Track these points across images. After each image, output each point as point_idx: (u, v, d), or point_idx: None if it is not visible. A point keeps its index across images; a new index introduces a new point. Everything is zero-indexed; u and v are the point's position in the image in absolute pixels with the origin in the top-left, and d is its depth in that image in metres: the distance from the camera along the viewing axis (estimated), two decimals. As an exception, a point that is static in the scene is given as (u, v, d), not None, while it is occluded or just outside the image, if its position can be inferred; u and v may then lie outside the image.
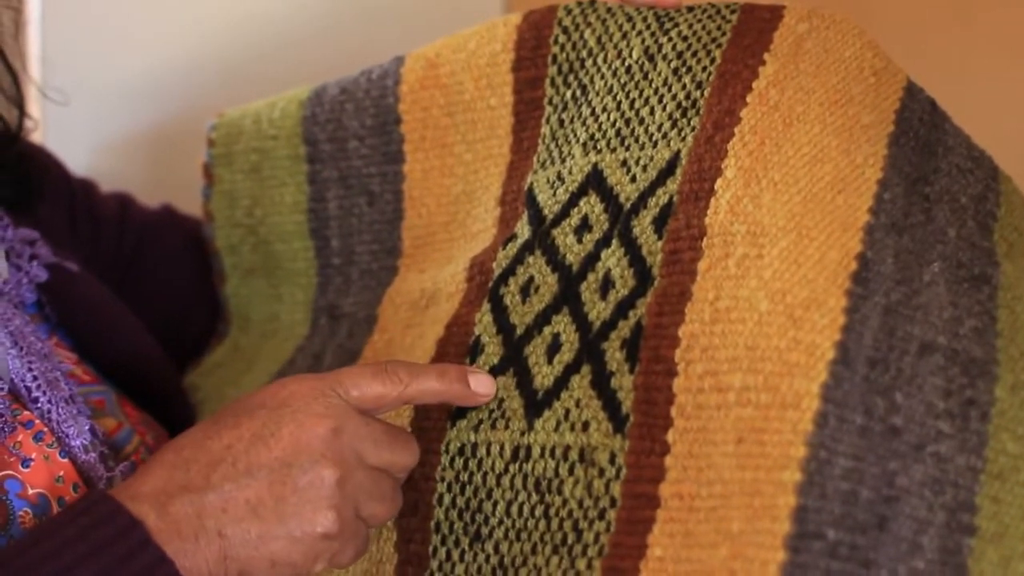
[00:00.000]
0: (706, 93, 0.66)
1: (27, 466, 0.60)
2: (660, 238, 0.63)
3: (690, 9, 0.70)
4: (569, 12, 0.72)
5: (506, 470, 0.62)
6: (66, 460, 0.62)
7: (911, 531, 0.52)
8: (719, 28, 0.68)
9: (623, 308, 0.63)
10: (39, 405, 0.63)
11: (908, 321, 0.57)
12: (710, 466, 0.56)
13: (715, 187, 0.63)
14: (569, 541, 0.59)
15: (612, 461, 0.59)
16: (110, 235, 0.83)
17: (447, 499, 0.63)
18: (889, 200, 0.63)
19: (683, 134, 0.66)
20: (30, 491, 0.60)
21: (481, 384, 0.63)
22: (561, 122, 0.71)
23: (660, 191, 0.65)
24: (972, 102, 0.71)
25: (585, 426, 0.61)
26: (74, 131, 0.98)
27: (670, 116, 0.67)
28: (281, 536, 0.56)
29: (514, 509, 0.61)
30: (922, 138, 0.66)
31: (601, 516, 0.59)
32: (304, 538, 0.56)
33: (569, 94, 0.72)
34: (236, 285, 0.84)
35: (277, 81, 0.85)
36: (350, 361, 0.74)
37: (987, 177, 0.67)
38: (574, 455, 0.61)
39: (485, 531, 0.62)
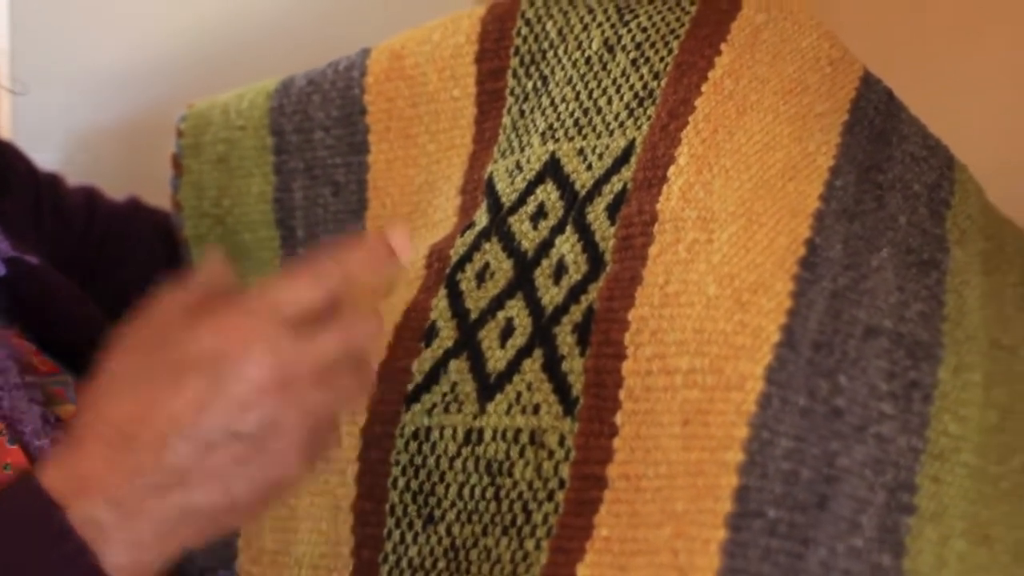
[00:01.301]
0: (663, 83, 0.67)
1: None
2: (613, 224, 0.64)
3: (651, 0, 0.71)
4: (532, 3, 0.73)
5: (459, 453, 0.62)
6: (15, 447, 0.62)
7: (851, 510, 0.53)
8: (678, 19, 0.69)
9: (575, 293, 0.63)
10: None
11: (854, 305, 0.58)
12: (656, 447, 0.57)
13: (667, 174, 0.63)
14: (519, 522, 0.60)
15: (562, 443, 0.60)
16: (77, 228, 0.83)
17: (401, 482, 0.63)
18: (840, 187, 0.63)
19: (639, 123, 0.67)
20: None
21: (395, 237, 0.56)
22: (522, 112, 0.72)
23: (615, 179, 0.66)
24: (928, 91, 0.72)
25: (536, 409, 0.61)
26: (44, 125, 0.98)
27: (627, 106, 0.68)
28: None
29: (466, 492, 0.62)
30: (877, 127, 0.67)
31: (550, 497, 0.59)
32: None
33: (530, 85, 0.72)
34: (204, 275, 0.84)
35: (247, 73, 0.86)
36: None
37: (942, 166, 0.68)
38: (525, 438, 0.61)
39: (438, 513, 0.62)
